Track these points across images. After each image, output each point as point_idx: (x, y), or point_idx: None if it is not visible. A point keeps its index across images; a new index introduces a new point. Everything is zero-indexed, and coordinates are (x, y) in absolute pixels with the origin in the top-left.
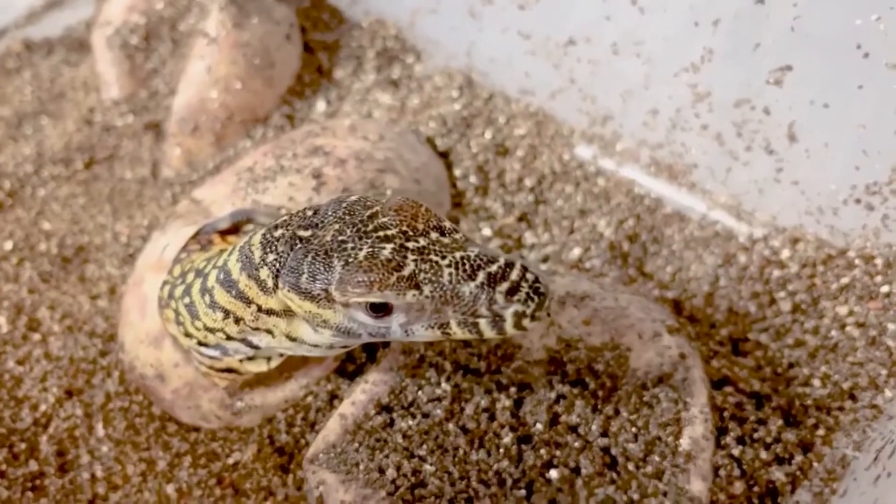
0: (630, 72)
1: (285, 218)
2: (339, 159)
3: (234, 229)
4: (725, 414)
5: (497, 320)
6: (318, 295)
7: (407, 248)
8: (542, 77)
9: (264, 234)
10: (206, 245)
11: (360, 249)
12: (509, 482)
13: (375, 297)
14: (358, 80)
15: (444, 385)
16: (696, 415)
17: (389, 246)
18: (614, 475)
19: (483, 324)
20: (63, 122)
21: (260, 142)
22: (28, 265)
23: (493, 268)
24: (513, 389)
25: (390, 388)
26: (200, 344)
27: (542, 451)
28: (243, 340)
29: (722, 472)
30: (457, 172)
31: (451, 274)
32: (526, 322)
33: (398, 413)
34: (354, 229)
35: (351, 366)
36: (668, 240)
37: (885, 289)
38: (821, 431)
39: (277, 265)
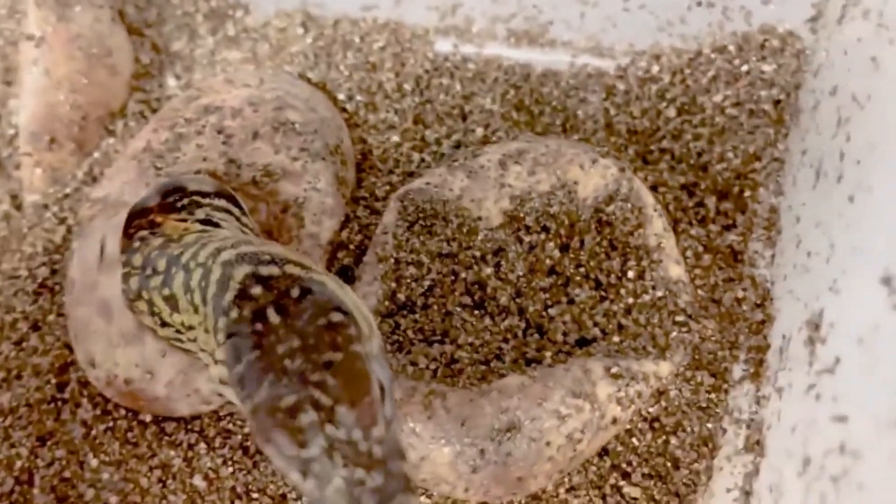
0: None
1: (277, 272)
2: (233, 109)
3: (168, 206)
4: (670, 209)
5: None
6: (237, 393)
7: (322, 432)
8: None
9: (245, 277)
10: (152, 227)
11: (290, 396)
12: (520, 332)
13: (270, 451)
14: (197, 47)
15: (426, 279)
16: (650, 214)
17: (310, 415)
18: (603, 293)
19: None
20: None
21: (124, 134)
22: None
23: None
24: (489, 257)
25: (381, 296)
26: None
27: (536, 298)
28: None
29: (689, 253)
30: (340, 97)
31: (336, 489)
32: None
33: (399, 315)
34: (303, 365)
35: None
36: (549, 96)
37: (744, 68)
38: (747, 193)
39: (234, 328)
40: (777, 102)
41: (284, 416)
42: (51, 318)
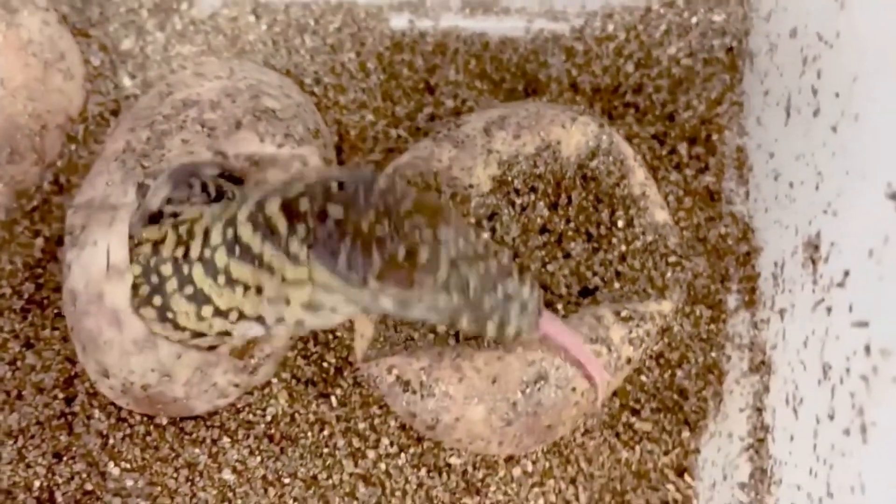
0: None
1: (302, 188)
2: (212, 101)
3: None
4: (646, 158)
5: (502, 326)
6: (353, 279)
7: (440, 253)
8: None
9: (284, 205)
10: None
11: (400, 247)
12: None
13: (410, 295)
14: (147, 44)
15: None
16: (632, 164)
17: (427, 248)
18: (596, 244)
19: (490, 325)
20: None
21: (87, 138)
22: None
23: (510, 286)
24: (484, 222)
25: None
26: (196, 336)
27: (534, 257)
28: (258, 318)
29: (671, 198)
30: (307, 81)
31: (476, 287)
32: (524, 334)
33: None
34: (391, 224)
35: None
36: (509, 63)
37: (693, 20)
38: (714, 136)
39: (310, 239)
40: (729, 50)
41: (409, 263)
42: (45, 333)
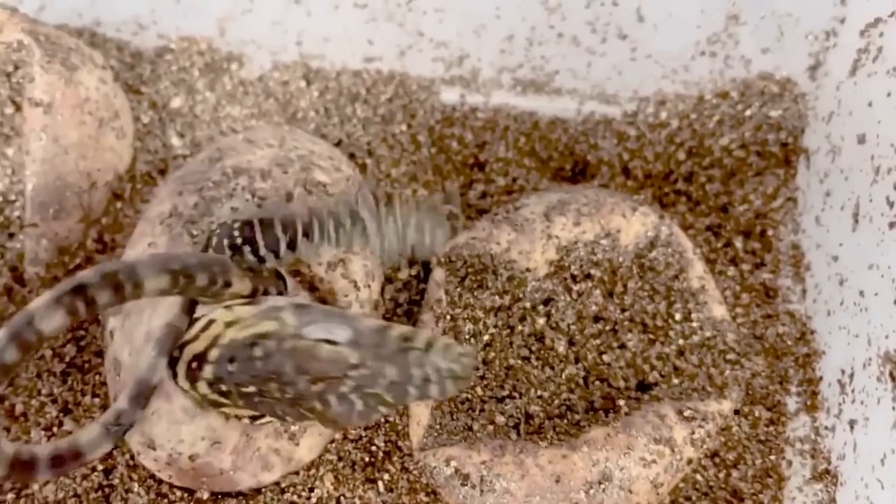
0: (480, 7)
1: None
2: (262, 171)
3: None
4: (703, 250)
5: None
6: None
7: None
8: (388, 39)
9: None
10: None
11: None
12: (581, 380)
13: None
14: (197, 103)
15: (485, 334)
16: (690, 258)
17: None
18: (651, 336)
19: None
20: None
21: (133, 197)
22: None
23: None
24: (540, 307)
25: None
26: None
27: (589, 346)
28: None
29: (727, 293)
30: (358, 153)
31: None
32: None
33: None
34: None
35: None
36: (558, 143)
37: (747, 113)
38: (770, 231)
39: None
40: (784, 145)
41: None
42: (86, 399)
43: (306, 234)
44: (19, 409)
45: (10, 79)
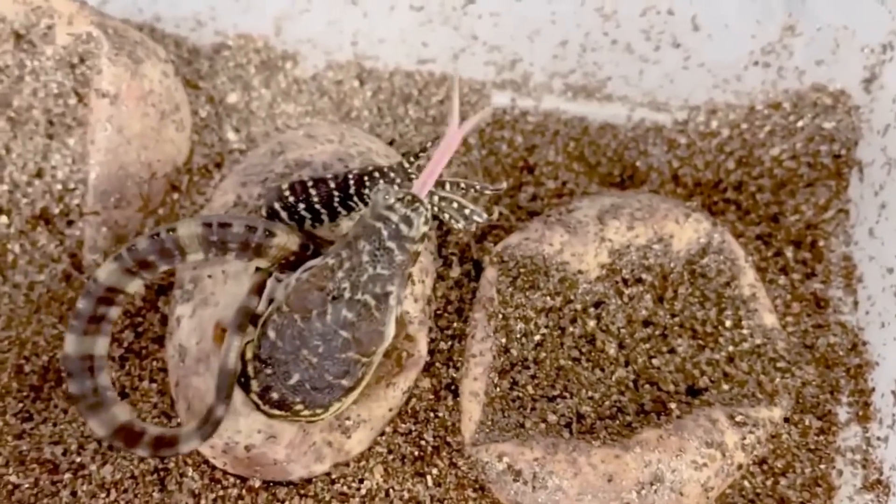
0: (536, 13)
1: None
2: (324, 164)
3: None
4: (754, 259)
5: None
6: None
7: None
8: (442, 42)
9: None
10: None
11: None
12: (631, 383)
13: None
14: (252, 99)
15: (536, 334)
16: (742, 265)
17: None
18: (701, 342)
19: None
20: None
21: (190, 189)
22: None
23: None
24: (591, 310)
25: (496, 353)
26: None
27: (639, 349)
28: None
29: (778, 301)
30: (406, 151)
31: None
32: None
33: (514, 372)
34: None
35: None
36: (607, 149)
37: (799, 124)
38: (821, 242)
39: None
40: (836, 157)
41: None
42: (143, 384)
43: (359, 191)
44: None
45: (74, 70)
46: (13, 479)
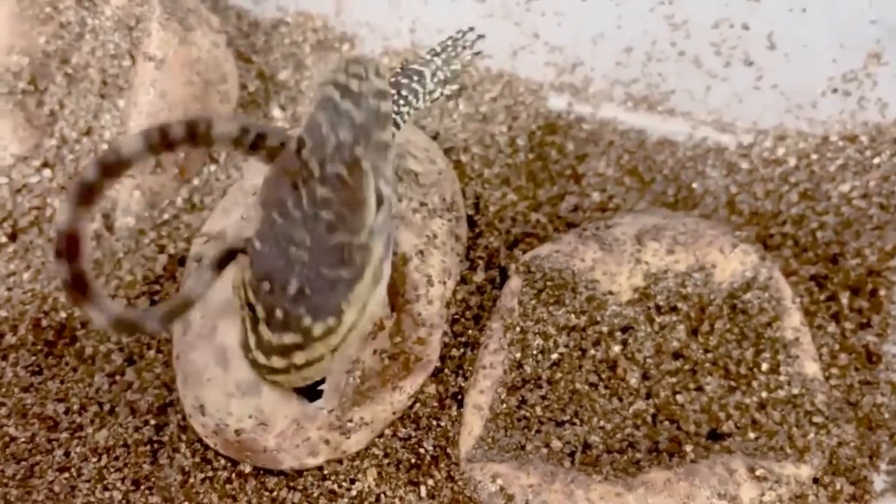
0: (601, 16)
1: None
2: None
3: None
4: (802, 301)
5: None
6: None
7: None
8: (502, 38)
9: None
10: None
11: None
12: (649, 418)
13: None
14: (303, 78)
15: (554, 352)
16: (788, 306)
17: None
18: (733, 383)
19: None
20: None
21: (227, 163)
22: (4, 364)
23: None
24: (617, 334)
25: (508, 367)
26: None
27: (664, 383)
28: None
29: (824, 350)
30: (455, 147)
31: None
32: None
33: (525, 390)
34: None
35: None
36: (663, 165)
37: (876, 160)
38: (882, 292)
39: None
40: None
41: None
42: (150, 353)
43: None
44: (88, 351)
45: (131, 33)
46: (12, 430)
